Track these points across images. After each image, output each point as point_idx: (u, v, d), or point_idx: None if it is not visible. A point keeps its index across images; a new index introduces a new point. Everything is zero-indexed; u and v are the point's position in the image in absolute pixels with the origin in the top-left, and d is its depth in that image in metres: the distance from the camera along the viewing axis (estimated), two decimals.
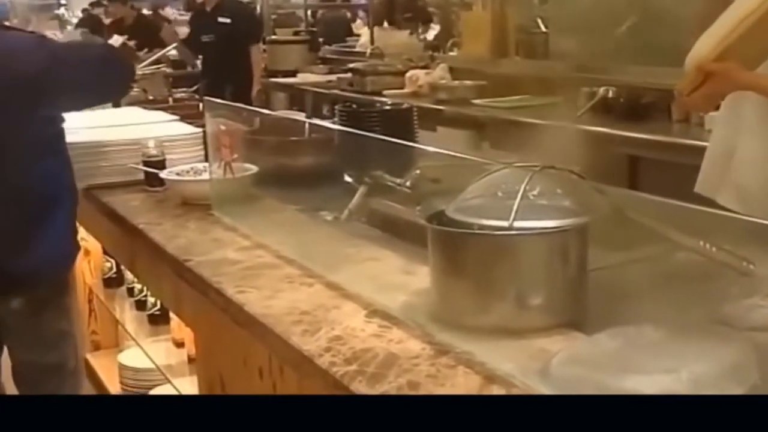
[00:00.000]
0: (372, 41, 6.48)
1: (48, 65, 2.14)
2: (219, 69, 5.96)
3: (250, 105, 5.07)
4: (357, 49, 6.79)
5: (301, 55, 6.62)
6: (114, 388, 2.98)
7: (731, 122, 2.12)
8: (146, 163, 2.40)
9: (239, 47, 6.10)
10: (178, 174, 2.29)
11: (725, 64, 1.91)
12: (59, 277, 2.33)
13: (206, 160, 2.30)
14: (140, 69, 3.60)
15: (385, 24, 6.85)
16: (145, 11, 9.73)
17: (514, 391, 1.14)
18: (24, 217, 2.19)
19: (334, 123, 2.53)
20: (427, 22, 6.68)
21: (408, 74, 5.25)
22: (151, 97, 3.58)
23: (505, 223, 1.30)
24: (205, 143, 2.38)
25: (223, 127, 2.14)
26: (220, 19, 6.07)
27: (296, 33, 7.26)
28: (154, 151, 2.40)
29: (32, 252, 2.18)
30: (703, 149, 3.54)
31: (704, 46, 1.94)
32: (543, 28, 5.10)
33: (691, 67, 1.96)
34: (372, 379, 1.20)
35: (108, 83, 2.37)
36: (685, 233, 1.43)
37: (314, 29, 7.72)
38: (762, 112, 2.02)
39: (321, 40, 7.26)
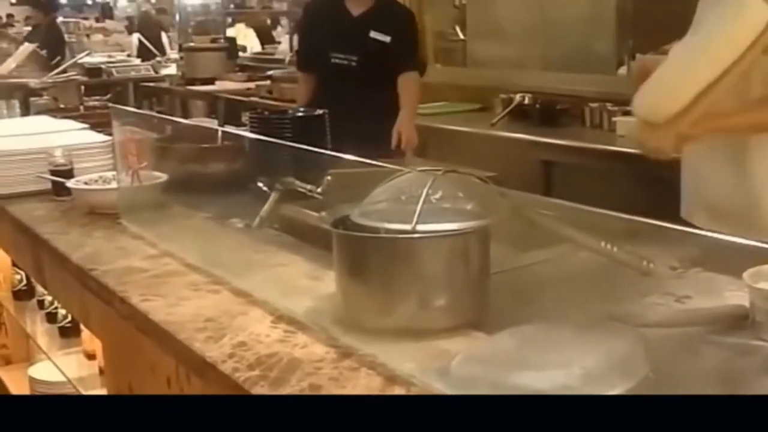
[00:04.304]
0: (291, 48, 6.48)
1: None
2: (358, 106, 3.53)
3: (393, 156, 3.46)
4: (276, 56, 6.78)
5: (219, 62, 6.58)
6: None
7: (699, 150, 2.15)
8: (53, 173, 2.35)
9: (391, 75, 3.76)
10: (85, 183, 2.26)
11: (703, 127, 1.97)
12: None
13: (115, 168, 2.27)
14: (50, 77, 3.53)
15: None
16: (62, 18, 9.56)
17: (414, 391, 1.16)
18: None
19: (248, 130, 2.53)
20: None
21: None
22: (62, 106, 3.50)
23: (407, 227, 1.32)
24: (114, 151, 2.35)
25: (131, 135, 2.11)
26: (375, 35, 3.74)
27: (214, 40, 7.21)
28: (61, 160, 2.35)
29: None
30: (615, 153, 3.65)
31: (672, 103, 1.97)
32: (461, 36, 5.17)
33: (651, 119, 2.00)
34: (274, 384, 1.20)
35: None
36: (587, 235, 1.47)
37: (233, 36, 7.69)
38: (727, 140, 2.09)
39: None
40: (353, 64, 3.69)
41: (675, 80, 2.00)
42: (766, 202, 2.04)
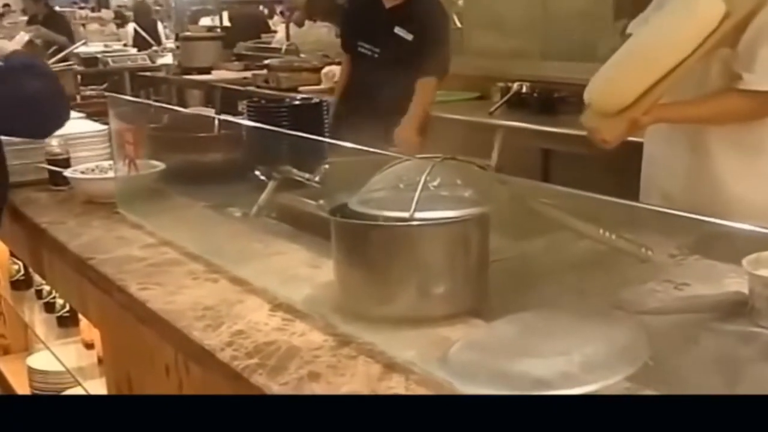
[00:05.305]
0: (288, 37, 6.45)
1: None
2: (377, 97, 3.47)
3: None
4: (273, 45, 6.75)
5: (215, 51, 6.54)
6: (24, 392, 2.90)
7: (658, 138, 2.21)
8: (50, 162, 2.35)
9: (411, 72, 3.59)
10: (82, 172, 2.25)
11: (654, 116, 1.98)
12: None
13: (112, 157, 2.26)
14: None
15: (307, 23, 6.76)
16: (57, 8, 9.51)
17: (413, 378, 1.15)
18: None
19: (245, 119, 2.52)
20: None
21: (324, 70, 5.24)
22: None
23: (405, 214, 1.31)
24: (111, 141, 2.34)
25: (127, 124, 2.10)
26: (398, 32, 3.64)
27: (210, 29, 7.18)
28: (57, 150, 2.35)
29: None
30: None
31: (624, 94, 1.98)
32: (459, 24, 5.14)
33: (606, 110, 2.01)
34: (273, 372, 1.20)
35: (38, 123, 2.06)
36: (587, 222, 1.46)
37: (229, 25, 7.64)
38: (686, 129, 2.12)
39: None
40: (376, 55, 3.67)
41: (627, 73, 2.02)
42: (727, 191, 2.06)
